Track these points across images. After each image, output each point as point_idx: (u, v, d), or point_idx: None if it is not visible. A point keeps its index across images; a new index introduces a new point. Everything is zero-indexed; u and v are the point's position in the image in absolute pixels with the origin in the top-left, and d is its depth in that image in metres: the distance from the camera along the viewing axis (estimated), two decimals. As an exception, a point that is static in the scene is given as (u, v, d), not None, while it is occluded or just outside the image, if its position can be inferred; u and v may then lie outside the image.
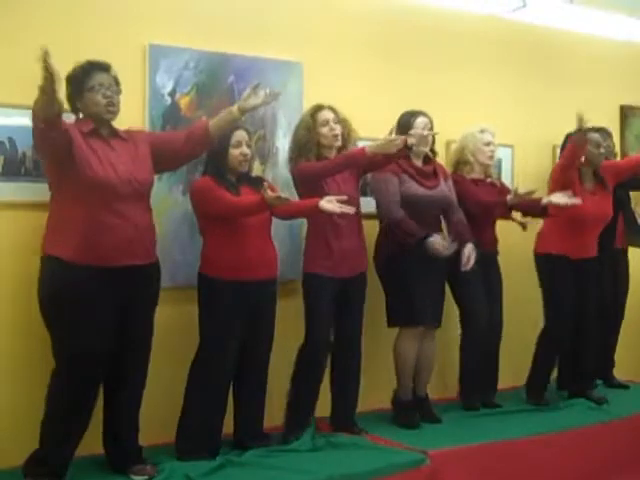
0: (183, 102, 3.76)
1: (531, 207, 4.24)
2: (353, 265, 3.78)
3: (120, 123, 3.23)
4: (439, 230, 4.02)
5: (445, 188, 4.04)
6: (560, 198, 4.09)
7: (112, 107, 3.12)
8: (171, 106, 3.72)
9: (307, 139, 3.70)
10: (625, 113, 5.51)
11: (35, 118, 2.86)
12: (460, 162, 4.30)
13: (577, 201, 4.07)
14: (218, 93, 3.84)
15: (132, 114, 3.56)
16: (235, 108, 3.31)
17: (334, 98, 3.90)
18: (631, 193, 4.93)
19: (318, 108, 3.75)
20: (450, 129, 4.39)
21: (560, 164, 4.35)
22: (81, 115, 3.14)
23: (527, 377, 4.52)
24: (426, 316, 3.95)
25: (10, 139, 3.33)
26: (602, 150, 4.39)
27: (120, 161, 3.10)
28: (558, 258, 4.32)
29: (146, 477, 3.17)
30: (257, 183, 3.52)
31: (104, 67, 3.13)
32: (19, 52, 3.22)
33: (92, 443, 3.26)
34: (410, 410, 4.01)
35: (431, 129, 3.97)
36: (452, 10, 4.62)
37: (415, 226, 3.84)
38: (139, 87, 3.61)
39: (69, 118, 3.11)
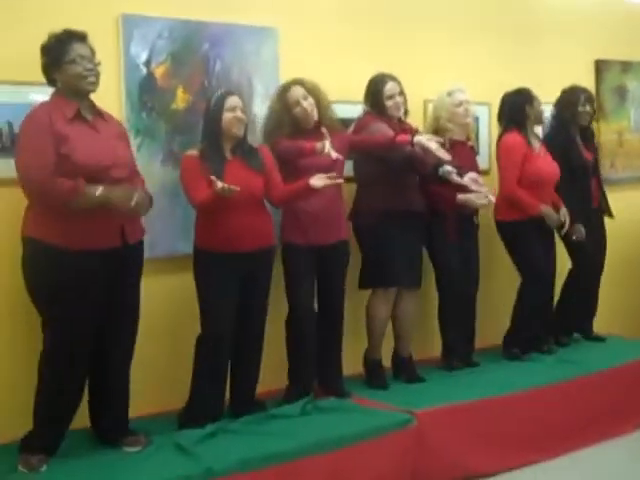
0: (158, 72, 3.72)
1: None
2: (328, 232, 3.77)
3: (96, 95, 3.18)
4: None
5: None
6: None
7: (94, 78, 3.06)
8: (147, 76, 3.68)
9: (279, 124, 3.71)
10: (600, 68, 5.52)
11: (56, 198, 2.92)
12: (439, 130, 4.28)
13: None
14: (193, 61, 3.81)
15: (108, 85, 3.50)
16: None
17: (309, 63, 3.93)
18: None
19: (285, 89, 3.74)
20: (426, 89, 4.45)
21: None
22: (59, 84, 3.05)
23: (506, 332, 4.58)
24: (399, 277, 4.00)
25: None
26: (542, 108, 4.51)
27: (107, 144, 3.07)
28: (524, 223, 4.34)
29: (140, 447, 3.21)
30: (251, 155, 3.51)
31: (81, 37, 3.06)
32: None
33: (80, 417, 3.27)
34: (379, 370, 4.07)
35: (401, 92, 4.02)
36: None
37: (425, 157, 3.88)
38: (114, 58, 3.56)
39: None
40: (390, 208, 3.94)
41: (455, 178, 3.94)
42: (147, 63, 3.68)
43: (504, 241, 4.51)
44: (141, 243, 3.26)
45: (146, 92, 3.68)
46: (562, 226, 4.46)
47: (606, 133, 5.55)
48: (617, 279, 5.46)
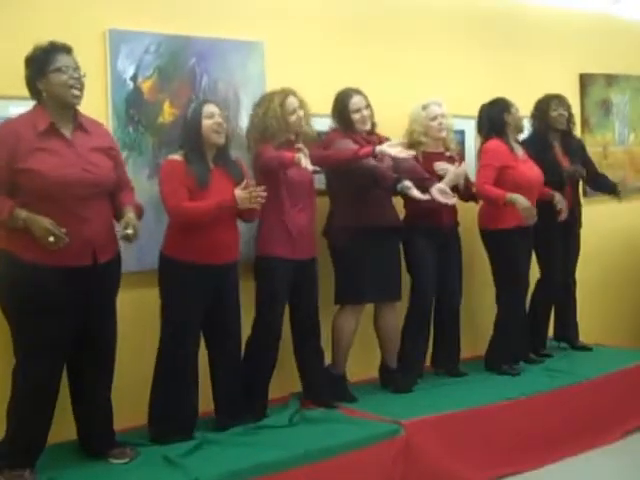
0: (145, 86, 3.75)
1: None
2: (309, 246, 3.80)
3: (83, 109, 3.19)
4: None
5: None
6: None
7: (78, 90, 3.03)
8: (134, 91, 3.71)
9: (277, 128, 3.71)
10: (584, 81, 5.58)
11: None
12: (414, 143, 4.27)
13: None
14: (180, 76, 3.85)
15: (95, 100, 3.54)
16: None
17: (296, 77, 3.94)
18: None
19: (285, 95, 3.75)
20: (412, 102, 4.43)
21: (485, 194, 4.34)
22: (44, 95, 3.01)
23: (488, 346, 4.57)
24: (366, 294, 4.00)
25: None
26: (520, 114, 4.52)
27: (79, 160, 3.01)
28: (510, 231, 4.33)
29: (127, 460, 3.21)
30: (233, 168, 3.50)
31: (66, 49, 3.05)
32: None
33: (66, 430, 3.29)
34: (342, 385, 4.04)
35: (367, 106, 4.02)
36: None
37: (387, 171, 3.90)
38: (100, 73, 3.60)
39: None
40: (362, 225, 3.93)
41: (414, 193, 3.88)
42: (134, 77, 3.71)
43: (487, 249, 4.51)
44: (116, 261, 3.20)
45: (133, 106, 3.71)
46: (556, 211, 4.45)
47: (591, 146, 5.55)
48: (604, 289, 5.51)
